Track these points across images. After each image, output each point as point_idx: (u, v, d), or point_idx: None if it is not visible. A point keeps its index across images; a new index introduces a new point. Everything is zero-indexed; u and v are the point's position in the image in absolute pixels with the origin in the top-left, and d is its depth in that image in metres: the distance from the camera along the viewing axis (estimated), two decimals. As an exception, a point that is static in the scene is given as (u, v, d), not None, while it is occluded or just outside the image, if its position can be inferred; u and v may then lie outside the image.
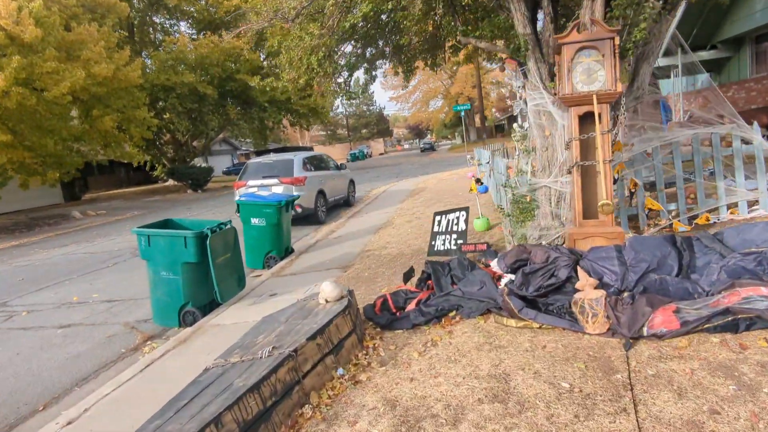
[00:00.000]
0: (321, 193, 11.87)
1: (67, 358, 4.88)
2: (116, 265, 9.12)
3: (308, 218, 11.40)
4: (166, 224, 6.05)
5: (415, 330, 3.77)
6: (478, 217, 7.05)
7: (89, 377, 4.45)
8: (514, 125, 4.65)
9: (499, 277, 3.88)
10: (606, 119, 3.63)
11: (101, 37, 17.90)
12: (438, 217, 5.23)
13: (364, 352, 3.47)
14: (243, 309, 5.57)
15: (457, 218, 4.83)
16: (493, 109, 56.84)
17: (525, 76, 4.34)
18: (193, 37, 30.21)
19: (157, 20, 32.78)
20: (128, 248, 10.81)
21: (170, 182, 32.98)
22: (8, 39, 13.92)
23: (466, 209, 4.73)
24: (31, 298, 7.34)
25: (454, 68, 45.54)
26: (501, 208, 4.68)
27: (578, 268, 3.34)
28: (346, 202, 14.26)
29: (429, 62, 7.10)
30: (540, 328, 3.28)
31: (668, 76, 13.05)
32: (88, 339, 5.38)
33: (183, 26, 33.56)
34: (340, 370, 3.18)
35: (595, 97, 3.62)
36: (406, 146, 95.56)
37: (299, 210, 10.62)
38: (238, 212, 7.96)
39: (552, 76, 4.18)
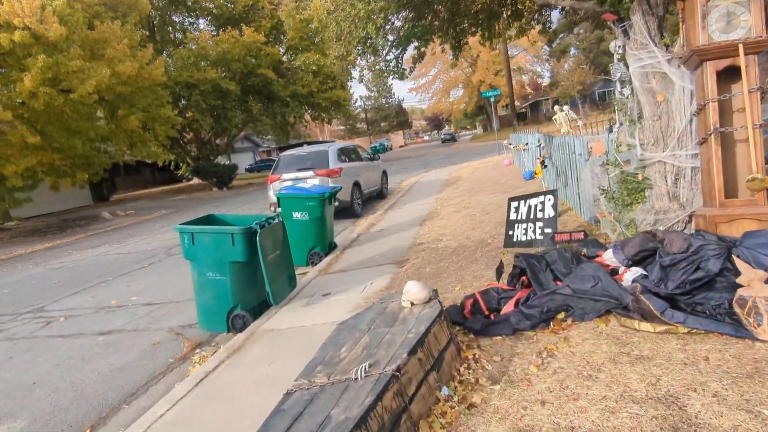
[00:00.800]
0: (356, 184, 11.34)
1: (111, 370, 4.44)
2: (152, 266, 8.74)
3: (344, 211, 10.87)
4: (208, 221, 5.57)
5: (518, 336, 3.17)
6: None
7: (138, 392, 3.99)
8: (616, 92, 3.99)
9: (613, 271, 3.26)
10: (754, 73, 2.96)
11: (124, 35, 17.65)
12: (515, 203, 4.61)
13: (465, 365, 2.89)
14: (297, 311, 5.06)
15: (542, 203, 4.21)
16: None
17: (626, 33, 3.68)
18: (213, 33, 29.96)
19: (177, 19, 32.66)
20: (162, 247, 10.46)
21: (195, 181, 32.97)
22: (33, 38, 13.69)
23: (554, 192, 4.11)
24: (68, 302, 6.98)
25: (476, 55, 44.49)
26: (603, 190, 4.03)
27: (734, 258, 2.70)
28: (380, 194, 13.71)
29: (485, 34, 6.44)
30: (688, 333, 2.65)
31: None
32: (131, 347, 4.95)
33: (202, 23, 33.33)
34: (445, 390, 2.61)
35: (741, 46, 2.96)
36: (426, 138, 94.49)
37: (336, 203, 10.11)
38: (279, 206, 7.48)
39: (662, 31, 3.53)
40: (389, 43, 5.72)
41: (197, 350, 4.76)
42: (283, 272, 5.43)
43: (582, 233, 3.97)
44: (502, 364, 2.86)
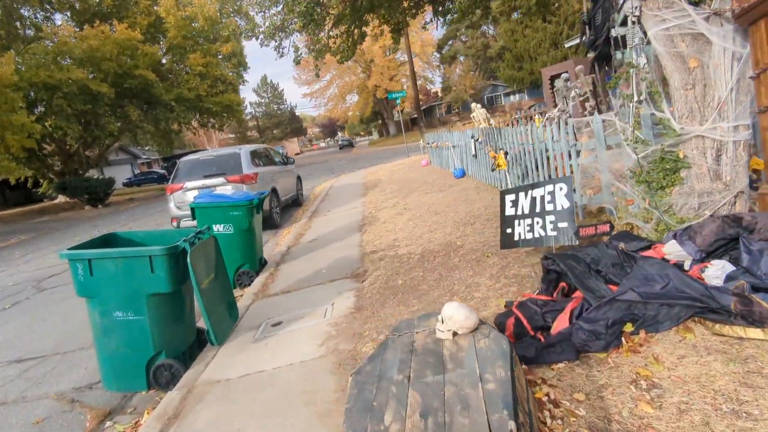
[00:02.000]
0: (274, 191, 10.09)
1: (-33, 479, 2.92)
2: (17, 306, 6.71)
3: (263, 222, 9.58)
4: (108, 241, 4.14)
5: (585, 361, 2.46)
6: None
7: None
8: (633, 60, 3.50)
9: (678, 267, 2.70)
10: None
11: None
12: (510, 197, 3.95)
13: (547, 412, 2.09)
14: (246, 350, 3.88)
15: (551, 193, 3.59)
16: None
17: (641, -7, 3.22)
18: (76, 30, 25.97)
19: (26, 13, 27.84)
20: (28, 281, 8.26)
21: (61, 199, 28.31)
22: None
23: (567, 180, 3.50)
24: None
25: (370, 60, 44.67)
26: (634, 173, 3.50)
27: None
28: (296, 202, 12.52)
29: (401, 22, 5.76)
30: (812, 337, 2.14)
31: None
32: (0, 434, 3.40)
33: (60, 19, 28.77)
34: (551, 461, 1.78)
35: None
36: (322, 144, 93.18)
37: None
38: (194, 218, 6.10)
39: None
40: (329, 18, 4.80)
41: (108, 423, 3.38)
42: (221, 301, 4.20)
43: (608, 225, 3.43)
44: (594, 406, 2.11)
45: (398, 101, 20.08)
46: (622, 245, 3.03)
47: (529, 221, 3.74)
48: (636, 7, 3.26)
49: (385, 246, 6.04)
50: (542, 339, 2.62)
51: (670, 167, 3.18)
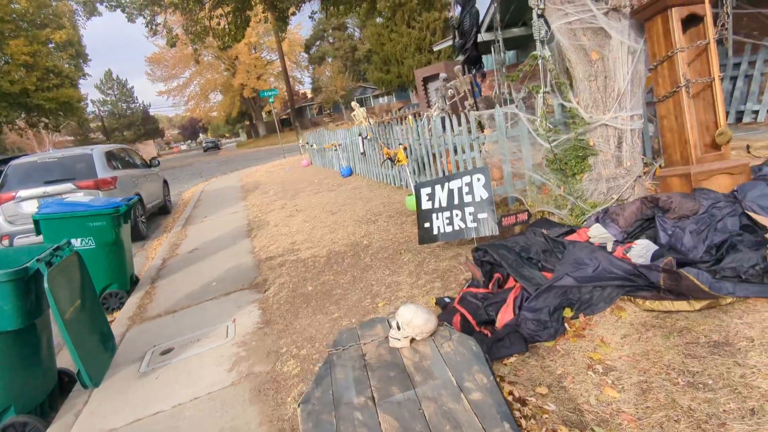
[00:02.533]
0: (138, 198, 8.81)
1: None
2: None
3: (127, 233, 8.29)
4: None
5: (534, 352, 2.38)
6: (410, 194, 5.81)
7: None
8: (539, 51, 3.53)
9: (601, 249, 2.78)
10: (710, 23, 2.89)
11: None
12: (426, 190, 3.80)
13: (518, 412, 1.95)
14: (131, 387, 3.17)
15: (469, 185, 3.50)
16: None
17: (544, -14, 3.30)
18: None
19: None
20: None
21: None
22: None
23: (483, 170, 3.44)
24: None
25: (235, 57, 42.36)
26: (549, 161, 3.55)
27: (750, 213, 2.51)
28: (163, 209, 11.16)
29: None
30: (729, 304, 2.31)
31: (490, 52, 13.94)
32: None
33: None
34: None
35: None
36: (184, 147, 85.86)
37: (115, 223, 7.53)
38: (39, 233, 4.95)
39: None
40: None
41: None
42: (92, 332, 3.38)
43: (526, 213, 3.46)
44: (560, 398, 2.02)
45: (271, 100, 19.22)
46: (544, 232, 3.07)
47: (447, 214, 3.65)
48: (541, 0, 3.34)
49: (283, 250, 5.55)
50: (488, 334, 2.50)
51: (582, 154, 3.34)
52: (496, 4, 12.13)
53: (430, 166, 5.86)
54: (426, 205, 3.83)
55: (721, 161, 2.94)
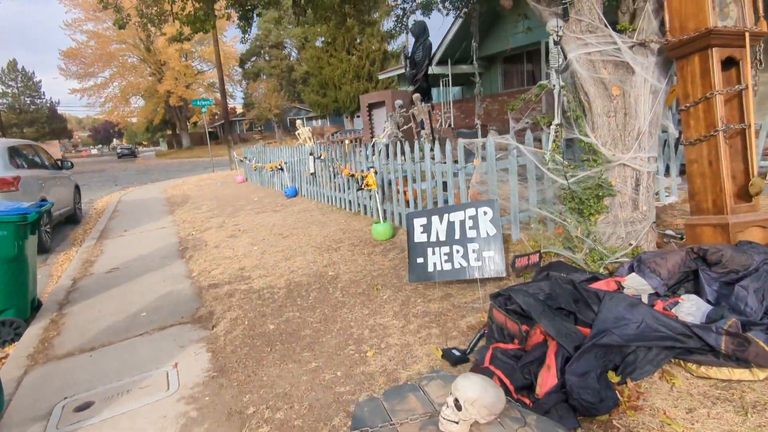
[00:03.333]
0: (50, 204, 7.50)
1: None
2: None
3: (26, 245, 6.97)
4: None
5: (587, 429, 1.98)
6: (377, 222, 5.33)
7: None
8: (553, 80, 3.27)
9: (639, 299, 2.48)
10: (748, 68, 2.77)
11: None
12: (420, 220, 3.34)
13: None
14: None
15: (473, 218, 3.09)
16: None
17: (565, 13, 3.07)
18: None
19: None
20: None
21: None
22: None
23: (491, 203, 3.05)
24: None
25: (163, 64, 39.90)
26: (569, 199, 3.23)
27: None
28: (72, 218, 9.73)
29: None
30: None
31: (438, 85, 14.08)
32: None
33: None
34: None
35: (747, 35, 2.72)
36: (94, 151, 78.64)
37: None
38: None
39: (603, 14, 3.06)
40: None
41: None
42: (-19, 385, 2.49)
43: (537, 254, 3.12)
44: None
45: (204, 110, 17.99)
46: (572, 278, 2.73)
47: (446, 249, 3.22)
48: (559, 27, 3.12)
49: (230, 277, 4.79)
50: (529, 402, 2.06)
51: (601, 194, 3.09)
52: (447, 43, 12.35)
53: (401, 195, 5.45)
54: (419, 237, 3.38)
55: (755, 213, 2.83)
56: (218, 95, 45.33)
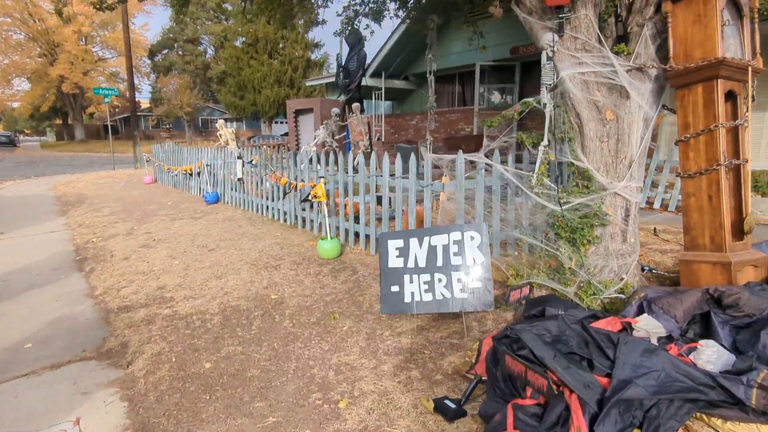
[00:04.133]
0: None
1: None
2: None
3: None
4: None
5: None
6: (323, 237, 4.77)
7: None
8: (545, 99, 2.98)
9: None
10: (748, 102, 2.70)
11: None
12: (396, 242, 2.88)
13: None
14: None
15: (458, 243, 2.70)
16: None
17: (560, 29, 2.85)
18: None
19: None
20: None
21: None
22: None
23: (479, 227, 2.69)
24: None
25: (57, 46, 35.59)
26: (560, 227, 2.95)
27: None
28: (-73, 215, 7.95)
29: None
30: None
31: (370, 97, 13.79)
32: None
33: None
34: None
35: (750, 69, 2.64)
36: (-42, 136, 67.56)
37: None
38: None
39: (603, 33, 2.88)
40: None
41: None
42: None
43: (528, 287, 2.81)
44: None
45: (107, 100, 16.05)
46: (563, 313, 2.46)
47: (426, 278, 2.83)
48: (554, 42, 2.92)
49: (147, 298, 3.98)
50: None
51: (594, 223, 2.89)
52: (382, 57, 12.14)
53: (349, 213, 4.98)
54: (395, 262, 2.95)
55: (749, 251, 2.79)
56: (122, 86, 41.44)
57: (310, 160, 5.69)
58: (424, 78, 13.54)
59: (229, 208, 7.79)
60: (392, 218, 4.70)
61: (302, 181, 5.56)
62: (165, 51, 44.29)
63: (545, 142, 3.04)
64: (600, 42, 2.88)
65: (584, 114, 2.96)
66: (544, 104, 3.00)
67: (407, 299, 2.90)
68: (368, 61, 12.90)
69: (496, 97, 14.22)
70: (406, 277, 2.92)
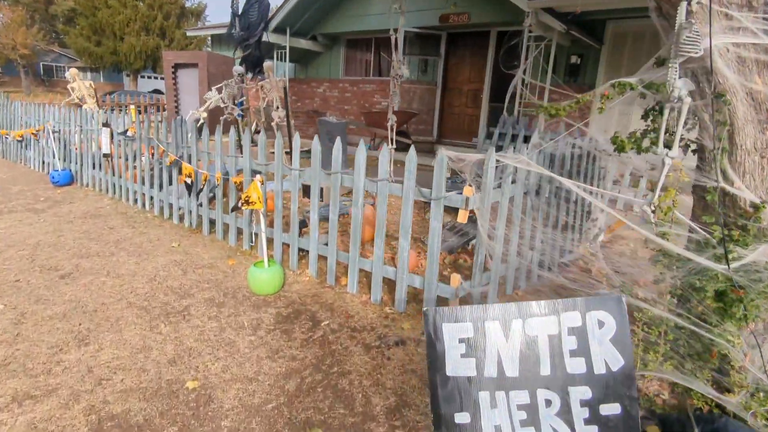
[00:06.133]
0: None
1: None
2: None
3: None
4: None
5: None
6: (258, 263, 3.16)
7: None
8: (678, 83, 1.75)
9: None
10: None
11: None
12: (459, 327, 1.50)
13: None
14: None
15: (580, 331, 1.43)
16: None
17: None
18: None
19: None
20: None
21: None
22: None
23: (616, 301, 1.43)
24: None
25: None
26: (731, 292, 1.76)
27: None
28: None
29: None
30: None
31: (271, 57, 11.67)
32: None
33: None
34: None
35: None
36: None
37: None
38: None
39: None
40: None
41: None
42: None
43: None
44: None
45: None
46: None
47: (524, 397, 1.53)
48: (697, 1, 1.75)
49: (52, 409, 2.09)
50: None
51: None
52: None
53: (293, 221, 3.43)
54: (458, 365, 1.56)
55: None
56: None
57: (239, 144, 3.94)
58: (335, 39, 11.83)
59: (90, 194, 5.59)
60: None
61: (259, 176, 3.83)
62: (-11, -26, 35.03)
63: (675, 151, 1.89)
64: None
65: (740, 110, 1.89)
66: (674, 94, 1.83)
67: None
68: (271, 12, 10.80)
69: (405, 71, 13.09)
70: (483, 397, 1.59)
